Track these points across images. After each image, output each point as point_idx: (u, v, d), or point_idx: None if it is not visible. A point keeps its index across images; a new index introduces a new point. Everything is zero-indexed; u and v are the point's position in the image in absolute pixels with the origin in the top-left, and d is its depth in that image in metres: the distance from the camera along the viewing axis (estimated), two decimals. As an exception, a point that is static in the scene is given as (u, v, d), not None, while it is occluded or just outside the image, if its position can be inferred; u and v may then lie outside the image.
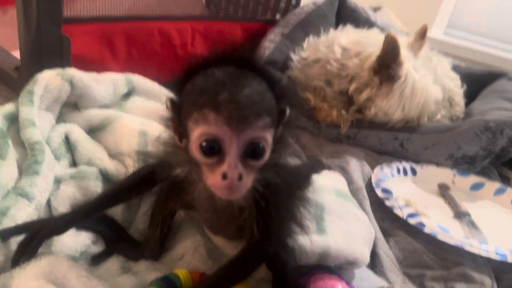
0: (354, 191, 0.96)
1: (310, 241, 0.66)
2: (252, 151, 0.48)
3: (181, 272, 0.63)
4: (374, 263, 0.81)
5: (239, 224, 0.58)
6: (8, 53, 1.14)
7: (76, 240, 0.67)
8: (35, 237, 0.57)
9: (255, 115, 0.46)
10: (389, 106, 1.19)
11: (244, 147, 0.47)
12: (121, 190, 0.65)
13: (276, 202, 0.55)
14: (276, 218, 0.56)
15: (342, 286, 0.68)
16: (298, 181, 0.64)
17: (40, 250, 0.63)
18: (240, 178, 0.47)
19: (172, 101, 0.51)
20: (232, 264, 0.59)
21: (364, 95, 1.21)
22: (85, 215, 0.62)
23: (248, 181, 0.49)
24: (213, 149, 0.47)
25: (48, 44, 0.96)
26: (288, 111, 0.51)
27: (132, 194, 0.66)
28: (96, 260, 0.68)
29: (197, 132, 0.47)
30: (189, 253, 0.71)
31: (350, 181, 1.00)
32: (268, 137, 0.49)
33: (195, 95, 0.48)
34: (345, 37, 1.32)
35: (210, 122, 0.46)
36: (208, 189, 0.51)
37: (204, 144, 0.47)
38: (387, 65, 1.16)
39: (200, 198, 0.59)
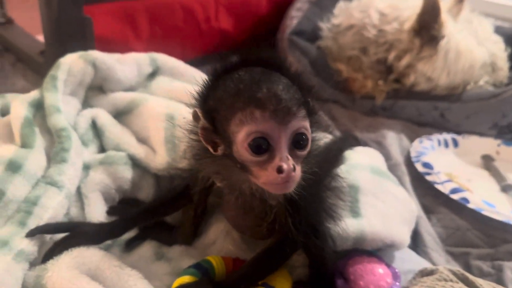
0: (392, 167, 0.92)
1: (344, 226, 0.63)
2: (296, 143, 0.48)
3: (214, 258, 0.62)
4: (416, 243, 0.78)
5: (267, 224, 0.57)
6: (33, 37, 1.14)
7: (109, 227, 0.66)
8: (70, 241, 0.57)
9: (296, 107, 0.47)
10: (433, 71, 1.12)
11: (290, 139, 0.47)
12: (158, 207, 0.65)
13: (308, 194, 0.53)
14: (309, 210, 0.55)
15: (382, 269, 0.66)
16: (330, 166, 0.62)
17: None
18: (294, 169, 0.46)
19: (203, 111, 0.50)
20: (267, 253, 0.58)
21: (404, 61, 1.15)
22: (122, 230, 0.61)
23: (299, 172, 0.48)
24: (261, 146, 0.47)
25: (71, 26, 0.95)
26: (311, 103, 0.51)
27: (169, 210, 0.66)
28: (129, 245, 0.68)
29: (244, 132, 0.47)
30: (221, 238, 0.69)
31: (387, 157, 0.96)
32: (308, 126, 0.49)
33: (231, 97, 0.48)
34: (380, 1, 1.25)
35: (256, 120, 0.46)
36: (237, 191, 0.52)
37: (252, 143, 0.47)
38: (427, 25, 1.09)
39: (228, 201, 0.60)
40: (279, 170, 0.46)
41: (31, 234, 0.56)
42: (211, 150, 0.51)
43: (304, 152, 0.49)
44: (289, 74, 0.51)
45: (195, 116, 0.51)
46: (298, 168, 0.48)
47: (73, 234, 0.58)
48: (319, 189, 0.59)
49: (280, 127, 0.46)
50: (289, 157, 0.47)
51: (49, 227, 0.59)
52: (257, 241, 0.68)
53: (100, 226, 0.61)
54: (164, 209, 0.65)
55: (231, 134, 0.48)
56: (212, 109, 0.50)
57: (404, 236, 0.70)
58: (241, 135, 0.47)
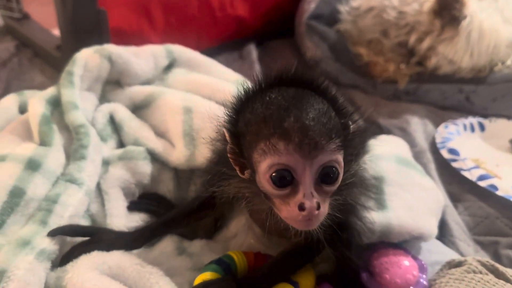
0: (417, 155, 0.89)
1: (371, 219, 0.62)
2: (325, 176, 0.45)
3: (235, 253, 0.61)
4: (443, 233, 0.75)
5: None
6: (49, 32, 1.14)
7: (129, 222, 0.66)
8: (89, 247, 0.56)
9: (326, 138, 0.43)
10: (454, 53, 1.08)
11: (317, 173, 0.44)
12: (180, 217, 0.62)
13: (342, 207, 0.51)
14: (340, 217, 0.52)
15: (408, 261, 0.64)
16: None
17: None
18: (318, 207, 0.44)
19: (230, 132, 0.48)
20: (293, 252, 0.57)
21: (426, 43, 1.11)
22: (142, 241, 0.60)
23: (325, 208, 0.46)
24: (284, 179, 0.44)
25: (86, 19, 0.94)
26: (351, 126, 0.48)
27: (191, 220, 0.63)
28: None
29: (266, 164, 0.44)
30: (242, 232, 0.68)
31: (412, 144, 0.93)
32: (340, 159, 0.46)
33: (258, 124, 0.45)
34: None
35: (280, 152, 0.43)
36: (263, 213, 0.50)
37: (274, 175, 0.44)
38: (448, 5, 1.05)
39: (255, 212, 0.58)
40: (301, 207, 0.43)
41: (53, 234, 0.56)
42: (238, 172, 0.49)
43: (333, 187, 0.46)
44: (326, 96, 0.48)
45: (225, 136, 0.49)
46: (325, 205, 0.45)
47: (93, 240, 0.57)
48: (353, 195, 0.56)
49: (305, 161, 0.43)
50: (314, 193, 0.44)
51: (70, 229, 0.58)
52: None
53: (120, 235, 0.60)
54: (186, 219, 0.62)
55: (254, 162, 0.46)
56: (240, 132, 0.48)
57: (432, 227, 0.68)
58: (263, 166, 0.45)
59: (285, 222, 0.49)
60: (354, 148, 0.51)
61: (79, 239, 0.58)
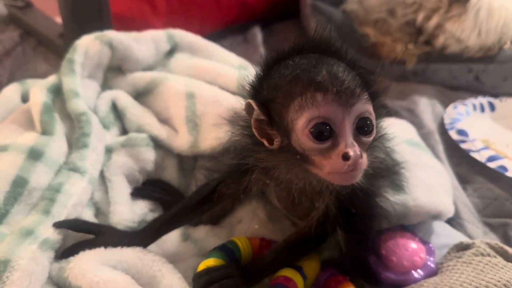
0: (425, 136, 0.88)
1: (391, 203, 0.61)
2: (360, 128, 0.45)
3: (240, 239, 0.60)
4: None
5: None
6: (52, 20, 1.13)
7: (133, 210, 0.66)
8: (92, 244, 0.56)
9: (360, 88, 0.44)
10: (462, 30, 1.06)
11: (354, 123, 0.44)
12: (185, 211, 0.61)
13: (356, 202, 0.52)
14: (359, 209, 0.53)
15: (415, 243, 0.63)
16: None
17: (98, 222, 0.63)
18: (361, 155, 0.43)
19: (258, 102, 0.47)
20: (298, 241, 0.57)
21: (433, 21, 1.09)
22: (148, 241, 0.59)
23: (366, 159, 0.45)
24: (323, 132, 0.44)
25: (87, 6, 0.93)
26: (373, 87, 0.48)
27: (196, 214, 0.63)
28: None
29: (305, 118, 0.44)
30: (247, 217, 0.68)
31: (420, 125, 0.92)
32: (372, 111, 0.46)
33: (289, 83, 0.45)
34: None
35: (318, 103, 0.43)
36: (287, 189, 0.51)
37: (313, 129, 0.44)
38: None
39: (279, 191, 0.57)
40: (345, 157, 0.43)
41: (58, 225, 0.55)
42: (266, 143, 0.48)
43: (369, 139, 0.46)
44: (346, 60, 0.47)
45: (248, 108, 0.48)
46: (365, 156, 0.44)
47: (97, 240, 0.56)
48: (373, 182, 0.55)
49: (344, 110, 0.43)
50: (355, 143, 0.44)
51: (76, 224, 0.58)
52: (284, 221, 0.67)
53: (125, 235, 0.59)
54: (191, 214, 0.62)
55: (289, 122, 0.45)
56: (267, 99, 0.47)
57: (448, 205, 0.68)
58: (301, 122, 0.44)
59: (314, 194, 0.51)
60: (379, 107, 0.50)
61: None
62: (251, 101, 0.47)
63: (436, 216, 0.67)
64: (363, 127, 0.45)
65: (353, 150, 0.43)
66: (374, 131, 0.46)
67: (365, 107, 0.44)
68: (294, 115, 0.44)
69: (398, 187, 0.64)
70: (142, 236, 0.59)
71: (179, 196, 0.71)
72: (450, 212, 0.67)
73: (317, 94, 0.43)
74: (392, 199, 0.62)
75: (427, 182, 0.68)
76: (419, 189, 0.66)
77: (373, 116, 0.45)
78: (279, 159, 0.49)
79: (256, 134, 0.48)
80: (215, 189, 0.59)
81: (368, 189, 0.52)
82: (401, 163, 0.64)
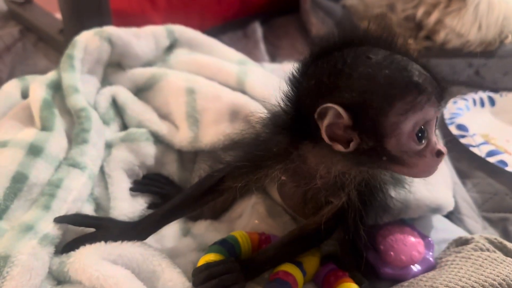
0: (424, 131, 0.87)
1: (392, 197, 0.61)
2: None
3: (239, 234, 0.61)
4: (451, 210, 0.74)
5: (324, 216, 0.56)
6: (52, 16, 1.13)
7: (133, 205, 0.66)
8: (93, 239, 0.55)
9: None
10: (462, 25, 1.05)
11: None
12: (186, 203, 0.60)
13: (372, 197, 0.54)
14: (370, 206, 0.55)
15: (414, 238, 0.64)
16: None
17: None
18: None
19: (346, 108, 0.43)
20: (299, 239, 0.57)
21: (434, 16, 1.09)
22: (148, 232, 0.59)
23: None
24: (423, 134, 0.45)
25: (87, 1, 0.93)
26: None
27: (197, 206, 0.62)
28: None
29: (411, 123, 0.44)
30: (247, 212, 0.68)
31: (419, 120, 0.91)
32: None
33: (384, 86, 0.43)
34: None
35: (422, 107, 0.43)
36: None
37: (418, 132, 0.44)
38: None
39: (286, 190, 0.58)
40: (439, 153, 0.46)
41: (59, 220, 0.55)
42: (340, 147, 0.45)
43: None
44: (403, 53, 0.47)
45: (322, 114, 0.45)
46: None
47: (98, 234, 0.56)
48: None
49: (437, 110, 0.45)
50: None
51: (76, 219, 0.58)
52: (284, 216, 0.67)
53: (126, 227, 0.58)
54: (192, 206, 0.61)
55: (389, 126, 0.44)
56: (352, 102, 0.44)
57: (449, 199, 0.68)
58: (408, 126, 0.44)
59: (335, 190, 0.52)
60: None
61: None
62: (337, 107, 0.43)
63: (436, 210, 0.67)
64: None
65: (442, 146, 0.46)
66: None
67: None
68: (397, 119, 0.43)
69: (398, 181, 0.65)
70: (144, 226, 0.59)
71: (179, 190, 0.71)
72: (450, 205, 0.67)
73: (421, 97, 0.43)
74: (393, 193, 0.62)
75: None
76: (419, 182, 0.65)
77: None
78: (348, 161, 0.48)
79: (326, 138, 0.45)
80: (220, 182, 0.58)
81: (377, 183, 0.54)
82: None
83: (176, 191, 0.70)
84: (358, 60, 0.44)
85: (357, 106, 0.44)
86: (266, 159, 0.52)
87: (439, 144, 0.46)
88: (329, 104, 0.44)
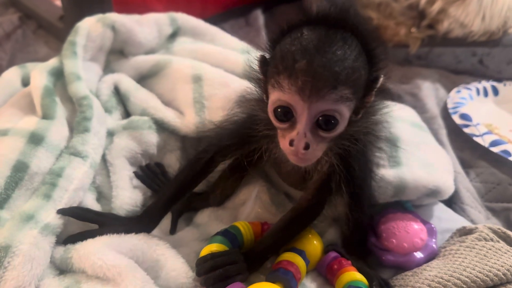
0: (428, 120, 0.87)
1: (384, 175, 0.62)
2: (324, 122, 0.46)
3: (241, 224, 0.61)
4: (454, 200, 0.74)
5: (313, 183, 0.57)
6: (52, 2, 1.11)
7: (135, 193, 0.66)
8: (97, 233, 0.55)
9: (331, 87, 0.44)
10: (466, 15, 1.04)
11: (316, 117, 0.46)
12: (182, 189, 0.61)
13: (356, 162, 0.54)
14: (357, 171, 0.55)
15: (416, 225, 0.64)
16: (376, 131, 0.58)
17: (101, 207, 0.63)
18: (306, 147, 0.46)
19: (262, 60, 0.50)
20: (290, 221, 0.58)
21: (436, 5, 1.07)
22: (151, 226, 0.59)
23: (318, 151, 0.48)
24: (285, 115, 0.47)
25: (87, -12, 0.91)
26: (381, 78, 0.49)
27: (192, 189, 0.63)
28: None
29: (272, 97, 0.47)
30: (251, 199, 0.68)
31: (423, 109, 0.91)
32: (344, 110, 0.46)
33: (278, 59, 0.47)
34: None
35: (284, 89, 0.45)
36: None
37: (277, 109, 0.47)
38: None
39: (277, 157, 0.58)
40: (290, 143, 0.46)
41: (62, 213, 0.55)
42: (264, 98, 0.51)
43: (330, 134, 0.47)
44: (365, 42, 0.48)
45: (259, 63, 0.51)
46: (318, 148, 0.47)
47: (101, 229, 0.56)
48: (366, 154, 0.57)
49: (304, 104, 0.45)
50: (308, 134, 0.46)
51: (80, 213, 0.57)
52: (287, 205, 0.67)
53: (130, 222, 0.58)
54: (188, 190, 0.62)
55: (268, 93, 0.49)
56: (268, 62, 0.49)
57: (448, 182, 0.68)
58: (271, 98, 0.48)
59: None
60: (375, 101, 0.52)
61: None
62: (259, 57, 0.50)
63: (435, 192, 0.66)
64: (326, 122, 0.46)
65: (299, 140, 0.46)
66: (339, 128, 0.47)
67: (332, 106, 0.45)
68: (270, 89, 0.48)
69: (396, 162, 0.65)
70: (147, 219, 0.59)
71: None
72: (449, 188, 0.67)
73: (285, 81, 0.45)
74: (391, 172, 0.63)
75: (426, 159, 0.68)
76: (417, 164, 0.66)
77: (341, 115, 0.46)
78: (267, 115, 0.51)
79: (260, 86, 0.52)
80: (210, 162, 0.59)
81: (364, 152, 0.55)
82: (394, 137, 0.67)
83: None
84: (295, 33, 0.47)
85: (268, 66, 0.49)
86: (253, 135, 0.55)
87: (300, 137, 0.46)
88: (261, 54, 0.51)
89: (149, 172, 0.70)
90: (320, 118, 0.46)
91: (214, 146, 0.59)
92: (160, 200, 0.60)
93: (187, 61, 0.77)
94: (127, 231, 0.56)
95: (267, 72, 0.49)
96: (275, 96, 0.47)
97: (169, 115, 0.72)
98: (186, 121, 0.71)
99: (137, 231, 0.57)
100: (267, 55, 0.50)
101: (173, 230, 0.65)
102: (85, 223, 0.57)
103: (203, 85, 0.73)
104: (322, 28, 0.47)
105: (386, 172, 0.64)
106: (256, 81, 0.53)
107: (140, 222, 0.58)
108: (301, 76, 0.44)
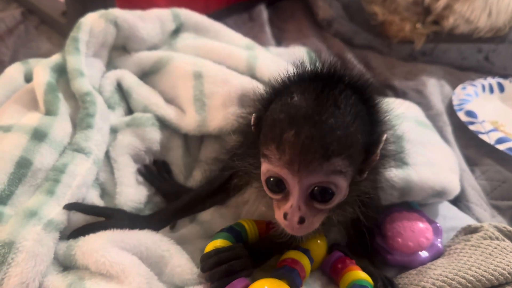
0: (433, 117, 0.86)
1: (390, 177, 0.61)
2: (320, 194, 0.44)
3: (246, 222, 0.60)
4: (459, 198, 0.73)
5: None
6: (54, -3, 1.11)
7: (139, 192, 0.65)
8: (102, 227, 0.55)
9: (322, 160, 0.42)
10: (471, 11, 1.03)
11: (309, 190, 0.44)
12: (195, 202, 0.62)
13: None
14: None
15: (422, 224, 0.63)
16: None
17: (105, 204, 0.63)
18: (301, 221, 0.44)
19: (257, 120, 0.48)
20: None
21: (442, 1, 1.06)
22: (158, 226, 0.60)
23: (314, 223, 0.46)
24: (278, 185, 0.45)
25: (89, -17, 0.91)
26: (384, 138, 0.46)
27: (208, 204, 0.63)
28: None
29: (263, 167, 0.46)
30: (255, 198, 0.67)
31: (428, 106, 0.90)
32: (340, 181, 0.44)
33: (267, 126, 0.45)
34: None
35: (273, 161, 0.44)
36: None
37: (268, 180, 0.46)
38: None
39: None
40: (284, 216, 0.45)
41: (68, 208, 0.55)
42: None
43: (326, 206, 0.45)
44: (366, 99, 0.47)
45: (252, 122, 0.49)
46: (315, 220, 0.45)
47: (107, 223, 0.56)
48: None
49: (294, 178, 0.43)
50: (302, 206, 0.44)
51: (86, 207, 0.58)
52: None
53: (137, 218, 0.59)
54: (202, 204, 0.63)
55: (261, 159, 0.46)
56: (261, 123, 0.48)
57: (454, 182, 0.67)
58: (262, 168, 0.46)
59: None
60: (379, 162, 0.50)
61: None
62: (254, 116, 0.48)
63: (441, 193, 0.66)
64: (321, 194, 0.44)
65: (293, 214, 0.44)
66: (335, 200, 0.45)
67: (326, 179, 0.43)
68: (262, 158, 0.46)
69: (402, 162, 0.64)
70: (154, 221, 0.59)
71: (178, 188, 0.69)
72: (455, 188, 0.66)
73: (275, 153, 0.43)
74: (397, 173, 0.62)
75: (432, 159, 0.67)
76: (423, 165, 0.65)
77: (336, 187, 0.44)
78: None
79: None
80: (228, 181, 0.59)
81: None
82: (399, 136, 0.65)
83: (176, 190, 0.68)
84: (288, 95, 0.45)
85: (262, 126, 0.47)
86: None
87: (294, 211, 0.44)
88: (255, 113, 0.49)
89: (153, 169, 0.70)
90: (315, 188, 0.43)
91: (231, 169, 0.58)
92: (172, 206, 0.61)
93: (189, 58, 0.77)
94: (132, 226, 0.56)
95: (260, 134, 0.47)
96: (264, 167, 0.45)
97: (170, 113, 0.72)
98: (187, 119, 0.71)
99: (142, 227, 0.56)
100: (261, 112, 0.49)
101: (173, 225, 0.65)
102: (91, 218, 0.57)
103: (203, 82, 0.72)
104: (314, 88, 0.45)
105: (392, 174, 0.62)
106: (252, 141, 0.51)
107: (147, 221, 0.58)
108: (288, 149, 0.42)
